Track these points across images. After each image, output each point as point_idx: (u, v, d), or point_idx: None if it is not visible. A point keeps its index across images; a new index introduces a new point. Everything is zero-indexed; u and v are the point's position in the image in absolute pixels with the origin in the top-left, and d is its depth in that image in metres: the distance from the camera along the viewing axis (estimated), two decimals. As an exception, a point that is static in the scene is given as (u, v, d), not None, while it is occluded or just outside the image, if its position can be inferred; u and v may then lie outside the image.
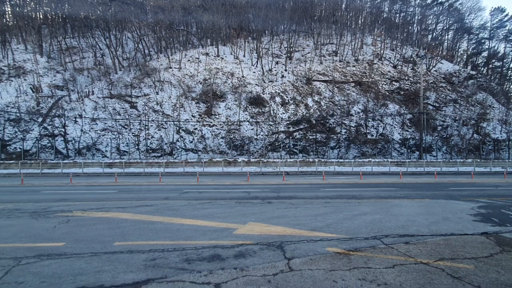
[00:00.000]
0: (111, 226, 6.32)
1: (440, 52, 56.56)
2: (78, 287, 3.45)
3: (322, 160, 30.55)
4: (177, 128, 34.51)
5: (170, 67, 42.09)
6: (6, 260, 4.31)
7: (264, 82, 42.09)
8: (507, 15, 58.65)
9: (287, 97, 40.19)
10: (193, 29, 54.55)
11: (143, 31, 48.43)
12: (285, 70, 45.07)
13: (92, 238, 5.38)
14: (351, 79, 45.23)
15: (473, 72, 52.09)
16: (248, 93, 39.34)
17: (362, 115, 38.79)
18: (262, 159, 29.90)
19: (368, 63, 48.50)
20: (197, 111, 36.97)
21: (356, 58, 49.74)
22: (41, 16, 49.17)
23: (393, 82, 45.75)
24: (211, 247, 4.85)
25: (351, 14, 62.56)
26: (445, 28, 61.88)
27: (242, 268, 3.96)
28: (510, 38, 57.86)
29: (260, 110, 38.02)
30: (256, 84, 41.27)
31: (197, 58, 44.93)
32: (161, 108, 36.50)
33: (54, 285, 3.49)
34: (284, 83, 42.42)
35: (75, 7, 49.29)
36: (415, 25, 63.74)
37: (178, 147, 33.28)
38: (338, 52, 50.65)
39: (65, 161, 28.19)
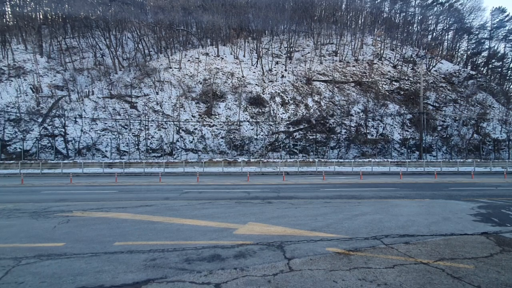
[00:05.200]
0: (111, 226, 6.32)
1: (440, 52, 56.52)
2: (78, 287, 3.45)
3: (322, 160, 30.55)
4: (177, 128, 34.51)
5: (170, 67, 42.07)
6: (6, 260, 4.30)
7: (264, 82, 42.07)
8: (507, 15, 58.68)
9: (287, 97, 40.17)
10: (193, 29, 54.51)
11: (143, 31, 48.41)
12: (285, 70, 45.05)
13: (92, 238, 5.38)
14: (351, 79, 45.20)
15: (473, 72, 52.04)
16: (248, 93, 39.33)
17: (362, 115, 38.77)
18: (262, 159, 29.90)
19: (368, 63, 48.48)
20: (197, 111, 36.96)
21: (356, 58, 49.72)
22: (41, 16, 49.14)
23: (393, 82, 45.73)
24: (211, 247, 4.85)
25: (351, 14, 62.53)
26: (445, 28, 61.84)
27: (242, 268, 3.96)
28: (510, 38, 57.87)
29: (260, 110, 38.01)
30: (256, 84, 41.25)
31: (197, 58, 44.91)
32: (161, 108, 36.49)
33: (54, 285, 3.49)
34: (284, 83, 42.40)
35: (75, 7, 49.26)
36: (415, 25, 63.70)
37: (178, 147, 33.28)
38: (338, 52, 50.64)
39: (65, 161, 28.19)
